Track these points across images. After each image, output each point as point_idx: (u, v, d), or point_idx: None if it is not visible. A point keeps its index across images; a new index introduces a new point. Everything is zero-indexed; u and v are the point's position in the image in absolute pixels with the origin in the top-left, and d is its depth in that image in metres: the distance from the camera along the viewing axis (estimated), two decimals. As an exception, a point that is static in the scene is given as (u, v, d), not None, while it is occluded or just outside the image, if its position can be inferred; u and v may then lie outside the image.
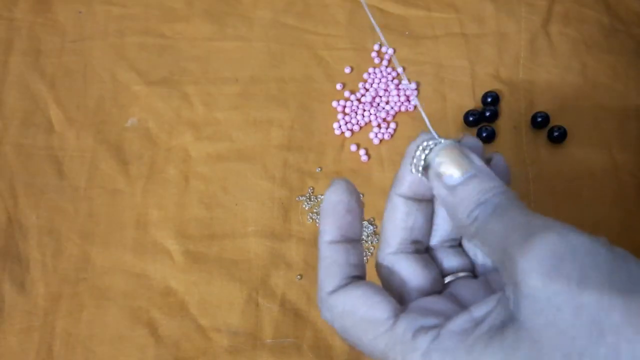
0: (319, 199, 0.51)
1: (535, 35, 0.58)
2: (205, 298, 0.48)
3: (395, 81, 0.56)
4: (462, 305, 0.27)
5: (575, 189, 0.51)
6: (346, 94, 0.56)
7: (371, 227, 0.50)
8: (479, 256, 0.31)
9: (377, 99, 0.56)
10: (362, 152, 0.53)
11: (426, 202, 0.30)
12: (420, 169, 0.28)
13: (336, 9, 0.60)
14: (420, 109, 0.34)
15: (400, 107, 0.55)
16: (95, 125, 0.55)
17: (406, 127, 0.54)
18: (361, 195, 0.28)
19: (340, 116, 0.55)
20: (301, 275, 0.48)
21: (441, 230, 0.31)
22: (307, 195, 0.52)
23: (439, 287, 0.29)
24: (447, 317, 0.25)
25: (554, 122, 0.53)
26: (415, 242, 0.30)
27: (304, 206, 0.51)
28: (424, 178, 0.28)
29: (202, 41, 0.59)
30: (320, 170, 0.53)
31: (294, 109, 0.55)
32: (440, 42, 0.58)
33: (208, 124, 0.55)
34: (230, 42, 0.59)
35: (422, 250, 0.30)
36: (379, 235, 0.50)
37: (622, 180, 0.51)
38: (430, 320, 0.25)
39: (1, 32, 0.59)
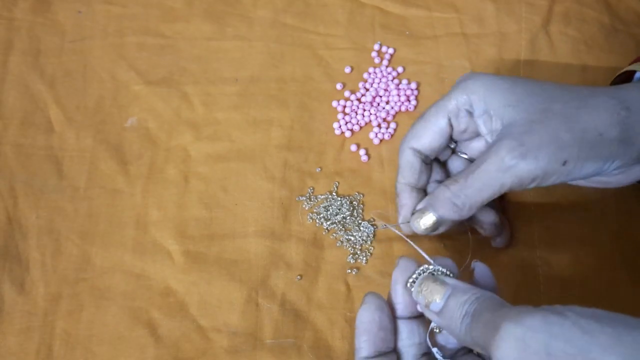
0: (319, 199, 0.51)
1: (535, 35, 0.58)
2: (205, 298, 0.48)
3: (396, 81, 0.56)
4: None
5: (575, 188, 0.51)
6: (346, 93, 0.56)
7: (371, 228, 0.50)
8: None
9: (377, 99, 0.56)
10: (362, 152, 0.53)
11: (421, 318, 0.34)
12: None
13: (336, 9, 0.60)
14: (402, 234, 0.41)
15: (400, 107, 0.55)
16: (94, 125, 0.55)
17: (406, 127, 0.54)
18: (389, 312, 0.34)
19: (340, 116, 0.55)
20: (301, 276, 0.48)
21: (452, 341, 0.34)
22: (307, 195, 0.52)
23: None
24: None
25: (554, 122, 0.53)
26: (426, 353, 0.33)
27: (304, 206, 0.51)
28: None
29: (202, 41, 0.59)
30: (320, 170, 0.53)
31: (294, 109, 0.55)
32: (440, 42, 0.58)
33: (208, 124, 0.55)
34: (230, 42, 0.59)
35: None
36: (378, 236, 0.50)
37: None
38: None
39: (1, 32, 0.59)
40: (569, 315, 0.25)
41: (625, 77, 0.45)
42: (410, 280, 0.33)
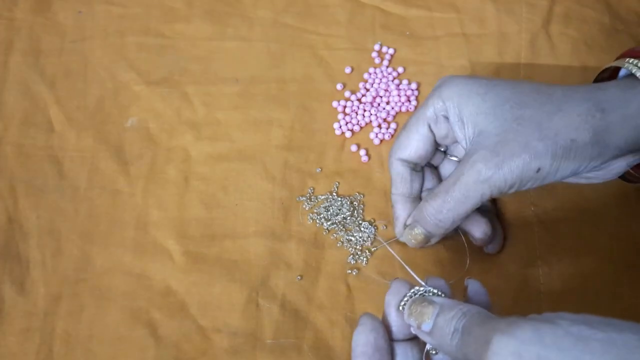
0: (319, 199, 0.51)
1: (535, 35, 0.58)
2: (205, 298, 0.48)
3: (396, 81, 0.56)
4: None
5: (575, 188, 0.51)
6: (346, 94, 0.56)
7: (372, 228, 0.50)
8: None
9: (378, 99, 0.56)
10: (362, 152, 0.53)
11: (415, 340, 0.34)
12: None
13: (336, 9, 0.60)
14: (396, 255, 0.42)
15: (400, 107, 0.55)
16: (95, 126, 0.55)
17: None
18: (384, 335, 0.34)
19: (340, 116, 0.55)
20: (301, 276, 0.48)
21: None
22: (308, 195, 0.52)
23: None
24: None
25: (554, 122, 0.53)
26: None
27: (304, 206, 0.51)
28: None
29: (202, 41, 0.59)
30: (321, 170, 0.53)
31: (294, 109, 0.55)
32: (440, 42, 0.58)
33: (208, 124, 0.55)
34: (231, 42, 0.59)
35: None
36: (379, 235, 0.50)
37: (622, 180, 0.51)
38: None
39: (1, 32, 0.59)
40: (560, 324, 0.25)
41: (612, 73, 0.45)
42: (402, 303, 0.34)
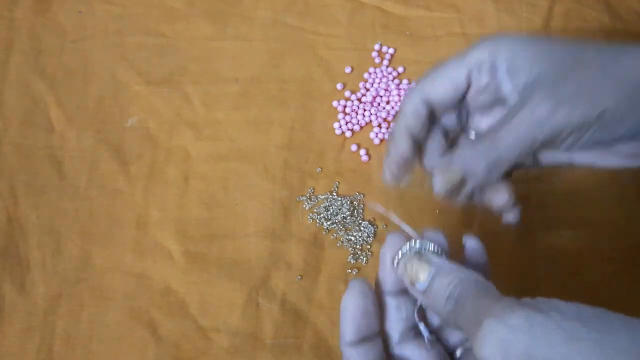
0: (319, 199, 0.51)
1: (536, 35, 0.58)
2: (205, 298, 0.48)
3: (396, 81, 0.56)
4: None
5: (575, 189, 0.51)
6: (346, 93, 0.56)
7: (372, 228, 0.50)
8: None
9: (378, 99, 0.56)
10: (362, 152, 0.53)
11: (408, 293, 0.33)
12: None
13: (336, 9, 0.60)
14: (391, 216, 0.37)
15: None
16: (95, 125, 0.55)
17: (406, 127, 0.54)
18: (374, 301, 0.32)
19: (340, 116, 0.55)
20: (301, 276, 0.48)
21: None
22: (308, 195, 0.52)
23: None
24: None
25: (554, 122, 0.53)
26: (414, 327, 0.33)
27: (304, 206, 0.51)
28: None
29: (202, 41, 0.59)
30: (321, 170, 0.53)
31: (294, 109, 0.55)
32: (440, 42, 0.58)
33: (208, 124, 0.55)
34: (231, 42, 0.59)
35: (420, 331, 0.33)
36: (379, 237, 0.50)
37: (622, 180, 0.51)
38: None
39: (1, 32, 0.59)
40: (552, 316, 0.24)
41: None
42: (397, 258, 0.32)
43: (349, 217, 0.50)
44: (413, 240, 0.32)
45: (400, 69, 0.57)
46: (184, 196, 0.52)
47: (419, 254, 0.32)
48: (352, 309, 0.31)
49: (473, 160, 0.36)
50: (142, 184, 0.52)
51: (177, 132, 0.54)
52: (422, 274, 0.30)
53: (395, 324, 0.33)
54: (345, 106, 0.55)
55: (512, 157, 0.35)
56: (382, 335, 0.33)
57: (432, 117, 0.39)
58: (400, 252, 0.32)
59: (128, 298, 0.48)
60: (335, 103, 0.55)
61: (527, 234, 0.49)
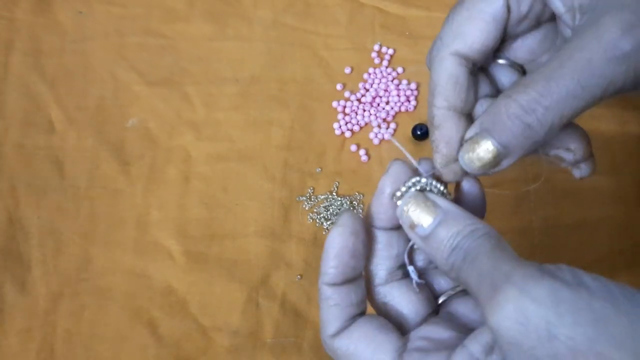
0: (319, 199, 0.51)
1: None
2: (205, 298, 0.48)
3: (396, 81, 0.56)
4: (462, 326, 0.27)
5: (575, 188, 0.51)
6: (346, 94, 0.56)
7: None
8: None
9: (377, 99, 0.56)
10: (362, 152, 0.53)
11: (402, 229, 0.29)
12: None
13: (336, 9, 0.60)
14: (395, 143, 0.31)
15: (400, 107, 0.55)
16: (95, 126, 0.55)
17: (406, 127, 0.54)
18: (364, 238, 0.28)
19: (340, 116, 0.55)
20: (301, 275, 0.48)
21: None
22: (307, 195, 0.52)
23: (434, 307, 0.29)
24: (450, 347, 0.25)
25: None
26: (402, 266, 0.29)
27: (304, 206, 0.51)
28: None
29: (202, 41, 0.59)
30: (321, 170, 0.53)
31: (294, 109, 0.55)
32: (440, 42, 0.58)
33: (208, 124, 0.55)
34: (231, 42, 0.59)
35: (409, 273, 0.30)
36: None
37: (622, 181, 0.51)
38: (433, 358, 0.25)
39: (2, 32, 0.59)
40: (582, 295, 0.21)
41: None
42: (399, 193, 0.28)
43: (348, 217, 0.50)
44: (418, 177, 0.28)
45: (400, 70, 0.57)
46: (184, 196, 0.52)
47: (424, 193, 0.27)
48: (339, 247, 0.27)
49: (510, 123, 0.26)
50: (143, 184, 0.52)
51: (177, 132, 0.55)
52: (425, 218, 0.26)
53: (382, 261, 0.29)
54: (344, 106, 0.55)
55: (569, 111, 0.26)
56: (365, 272, 0.29)
57: (474, 74, 0.30)
58: (403, 187, 0.27)
59: (128, 298, 0.48)
60: (334, 103, 0.55)
61: (527, 233, 0.49)
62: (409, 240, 0.29)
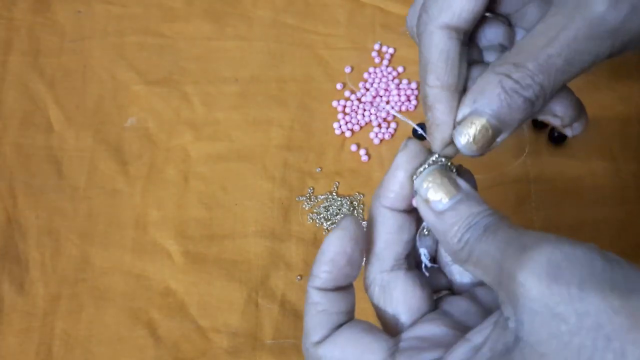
0: (319, 199, 0.51)
1: None
2: (204, 299, 0.48)
3: (396, 81, 0.56)
4: (458, 325, 0.26)
5: (576, 189, 0.51)
6: (346, 93, 0.56)
7: (371, 228, 0.50)
8: (456, 274, 0.30)
9: (378, 99, 0.56)
10: (362, 152, 0.53)
11: (413, 213, 0.28)
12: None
13: (336, 8, 0.60)
14: (402, 117, 0.32)
15: (400, 107, 0.55)
16: (94, 125, 0.55)
17: (407, 126, 0.54)
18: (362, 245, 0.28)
19: (340, 116, 0.55)
20: (301, 276, 0.48)
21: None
22: (307, 195, 0.51)
23: (432, 306, 0.28)
24: (446, 345, 0.24)
25: (554, 122, 0.53)
26: (408, 256, 0.28)
27: (304, 206, 0.51)
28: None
29: (201, 41, 0.59)
30: (320, 170, 0.53)
31: (294, 109, 0.55)
32: (440, 41, 0.58)
33: (208, 124, 0.55)
34: (230, 42, 0.59)
35: (414, 265, 0.29)
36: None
37: (622, 181, 0.51)
38: (429, 355, 0.24)
39: (1, 32, 0.59)
40: (615, 268, 0.21)
41: None
42: (419, 171, 0.27)
43: (348, 217, 0.50)
44: (436, 155, 0.27)
45: (400, 69, 0.57)
46: (184, 196, 0.52)
47: (444, 171, 0.26)
48: (335, 252, 0.26)
49: (502, 96, 0.26)
50: (142, 184, 0.52)
51: (177, 132, 0.54)
52: (445, 194, 0.25)
53: (391, 246, 0.28)
54: (345, 106, 0.55)
55: (564, 76, 0.26)
56: (367, 256, 0.28)
57: (465, 43, 0.28)
58: (425, 165, 0.27)
59: (127, 298, 0.48)
60: (335, 103, 0.55)
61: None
62: (418, 226, 0.28)
